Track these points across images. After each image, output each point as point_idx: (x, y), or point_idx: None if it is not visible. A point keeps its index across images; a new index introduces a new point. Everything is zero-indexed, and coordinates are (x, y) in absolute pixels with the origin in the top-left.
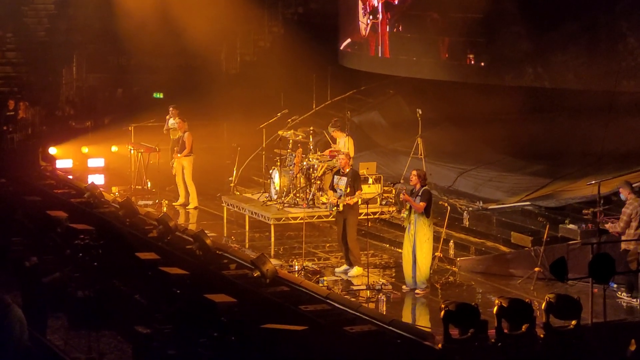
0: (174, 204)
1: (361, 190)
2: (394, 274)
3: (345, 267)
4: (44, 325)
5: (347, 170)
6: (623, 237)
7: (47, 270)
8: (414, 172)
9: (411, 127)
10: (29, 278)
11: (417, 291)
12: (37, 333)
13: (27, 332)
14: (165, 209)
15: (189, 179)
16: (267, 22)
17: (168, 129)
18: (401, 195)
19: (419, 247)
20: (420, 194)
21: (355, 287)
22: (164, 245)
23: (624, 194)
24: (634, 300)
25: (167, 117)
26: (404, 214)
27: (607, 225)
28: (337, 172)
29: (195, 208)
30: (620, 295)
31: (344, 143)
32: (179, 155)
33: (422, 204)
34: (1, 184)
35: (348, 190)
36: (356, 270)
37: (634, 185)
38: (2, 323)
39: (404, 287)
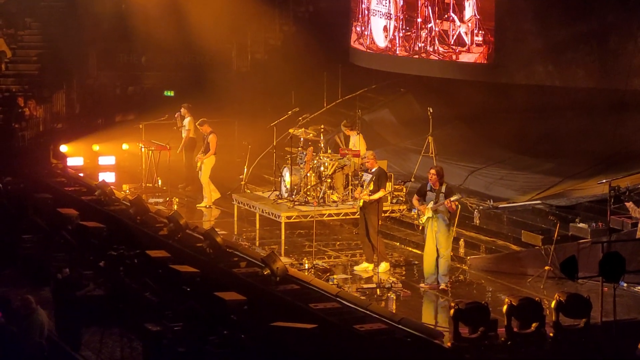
0: (197, 205)
1: (385, 189)
2: (404, 272)
3: (365, 264)
4: (77, 340)
5: (374, 168)
6: None
7: (79, 283)
8: (432, 171)
9: (422, 125)
10: (61, 291)
11: (439, 286)
12: (70, 349)
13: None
14: (176, 207)
15: (205, 178)
16: (278, 20)
17: (181, 126)
18: (443, 205)
19: (443, 239)
20: (444, 192)
21: (365, 286)
22: (174, 243)
23: None
24: None
25: (177, 115)
26: (419, 216)
27: (629, 204)
28: (366, 170)
29: (208, 207)
30: None
31: (354, 142)
32: (202, 155)
33: (454, 206)
34: (12, 181)
35: (371, 187)
36: (384, 266)
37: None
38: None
39: (422, 285)
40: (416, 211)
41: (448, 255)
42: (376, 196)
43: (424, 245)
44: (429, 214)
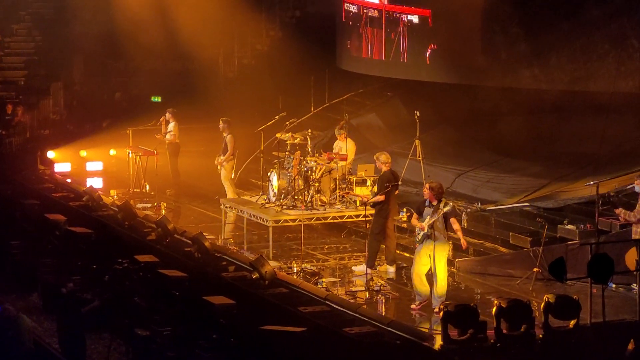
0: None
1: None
2: (394, 276)
3: (387, 266)
4: (82, 353)
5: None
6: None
7: (84, 298)
8: (426, 186)
9: (409, 129)
10: (66, 306)
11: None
12: None
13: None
14: (164, 212)
15: (226, 179)
16: (265, 26)
17: (166, 132)
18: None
19: (439, 262)
20: (442, 208)
21: (354, 289)
22: (162, 248)
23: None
24: None
25: (162, 119)
26: (419, 234)
27: (619, 211)
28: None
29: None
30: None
31: (341, 145)
32: (222, 157)
33: (459, 227)
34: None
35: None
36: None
37: (628, 187)
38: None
39: (412, 306)
40: (418, 231)
41: (444, 278)
42: (374, 200)
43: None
44: (425, 229)
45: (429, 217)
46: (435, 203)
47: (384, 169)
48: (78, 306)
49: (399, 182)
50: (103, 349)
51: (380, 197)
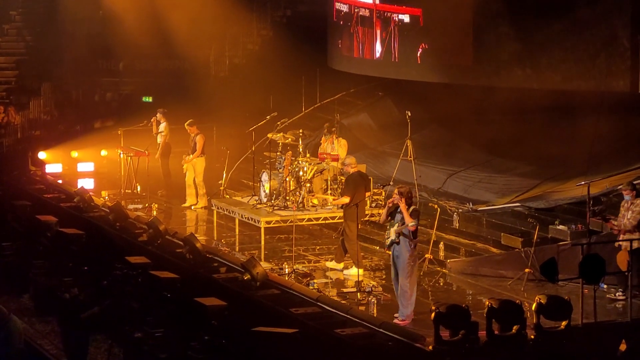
0: (183, 205)
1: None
2: (384, 276)
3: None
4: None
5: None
6: (623, 236)
7: (85, 303)
8: (395, 190)
9: (400, 129)
10: (68, 311)
11: (398, 319)
12: None
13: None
14: (155, 213)
15: (199, 179)
16: (256, 25)
17: (157, 132)
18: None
19: (401, 266)
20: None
21: (345, 290)
22: (154, 249)
23: (630, 194)
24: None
25: (153, 120)
26: (387, 240)
27: (611, 224)
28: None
29: (204, 207)
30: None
31: (333, 145)
32: (190, 156)
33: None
34: None
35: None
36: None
37: (619, 187)
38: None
39: (395, 315)
40: (387, 235)
41: (407, 286)
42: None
43: None
44: (392, 236)
45: (397, 224)
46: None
47: (351, 170)
48: (78, 312)
49: (391, 183)
50: (94, 351)
51: (345, 199)
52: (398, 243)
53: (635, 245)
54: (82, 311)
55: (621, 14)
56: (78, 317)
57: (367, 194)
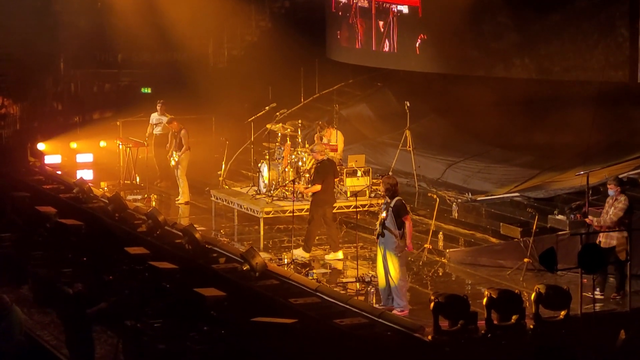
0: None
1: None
2: None
3: (333, 254)
4: (90, 356)
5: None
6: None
7: (92, 299)
8: (381, 181)
9: (399, 119)
10: (73, 307)
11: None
12: None
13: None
14: (154, 204)
15: (182, 174)
16: (254, 16)
17: (152, 124)
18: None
19: (389, 261)
20: (393, 207)
21: (345, 280)
22: (153, 240)
23: (614, 190)
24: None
25: (159, 107)
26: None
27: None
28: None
29: (187, 203)
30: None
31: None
32: (176, 152)
33: (409, 227)
34: None
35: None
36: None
37: (621, 175)
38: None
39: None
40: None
41: (398, 279)
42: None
43: None
44: (378, 228)
45: (382, 213)
46: (389, 200)
47: (320, 158)
48: (84, 308)
49: (389, 173)
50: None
51: (317, 187)
52: (383, 235)
53: (612, 243)
54: (87, 307)
55: (619, 4)
56: (83, 313)
57: (335, 180)
